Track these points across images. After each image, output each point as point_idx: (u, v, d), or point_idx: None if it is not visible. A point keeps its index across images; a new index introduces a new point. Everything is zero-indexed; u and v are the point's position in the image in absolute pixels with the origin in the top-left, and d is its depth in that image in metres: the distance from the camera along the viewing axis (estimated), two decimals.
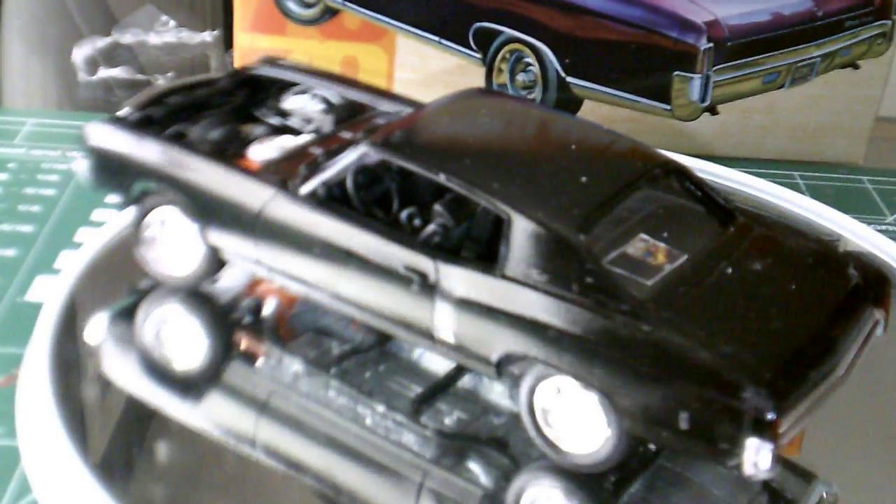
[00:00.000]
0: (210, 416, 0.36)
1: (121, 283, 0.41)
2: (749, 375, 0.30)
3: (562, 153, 0.36)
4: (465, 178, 0.33)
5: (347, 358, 0.37)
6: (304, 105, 0.41)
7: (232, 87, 0.43)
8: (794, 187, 0.55)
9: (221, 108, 0.42)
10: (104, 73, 0.62)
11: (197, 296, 0.39)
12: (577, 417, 0.32)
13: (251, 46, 0.54)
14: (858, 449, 0.37)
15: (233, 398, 0.36)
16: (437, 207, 0.35)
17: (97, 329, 0.38)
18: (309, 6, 0.53)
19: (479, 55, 0.54)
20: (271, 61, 0.44)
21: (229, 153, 0.39)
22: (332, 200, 0.35)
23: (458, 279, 0.33)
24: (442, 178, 0.34)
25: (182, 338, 0.38)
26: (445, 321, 0.33)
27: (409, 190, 0.36)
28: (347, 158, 0.35)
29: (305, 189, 0.36)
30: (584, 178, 0.34)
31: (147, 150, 0.38)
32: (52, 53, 0.68)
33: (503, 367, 0.33)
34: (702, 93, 0.55)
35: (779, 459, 0.30)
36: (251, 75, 0.43)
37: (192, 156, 0.38)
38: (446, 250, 0.34)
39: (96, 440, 0.34)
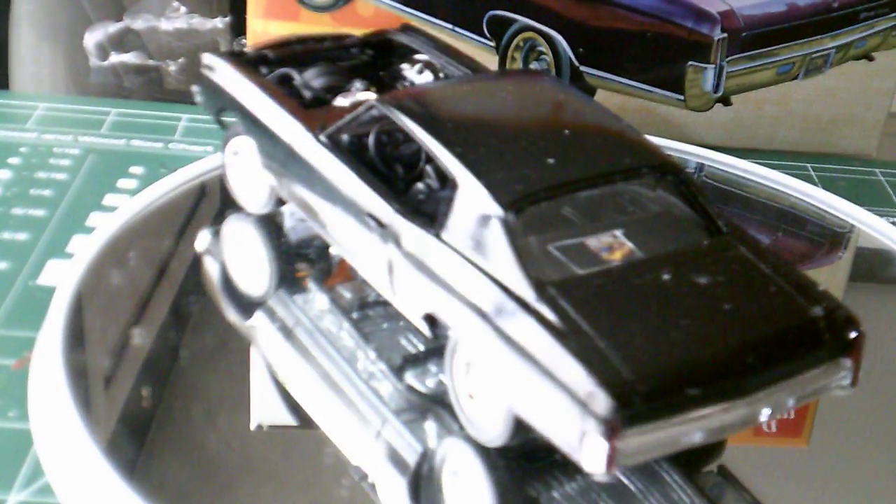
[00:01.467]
0: (251, 331, 0.39)
1: (133, 267, 0.42)
2: (607, 377, 0.29)
3: (549, 135, 0.36)
4: (436, 139, 0.34)
5: (372, 307, 0.39)
6: (413, 71, 0.43)
7: (361, 45, 0.45)
8: (807, 179, 0.55)
9: (341, 61, 0.44)
10: (115, 58, 0.62)
11: (270, 224, 0.43)
12: (479, 392, 0.32)
13: (264, 32, 0.54)
14: (866, 447, 0.37)
15: (270, 320, 0.39)
16: (428, 169, 0.36)
17: (203, 240, 0.43)
18: None
19: (492, 43, 0.54)
20: (407, 29, 0.46)
21: (313, 99, 0.41)
22: (344, 148, 0.38)
23: (407, 234, 0.34)
24: (417, 134, 0.35)
25: (250, 259, 0.42)
26: (393, 272, 0.35)
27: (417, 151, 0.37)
28: (360, 110, 0.37)
29: (325, 134, 0.38)
30: (550, 160, 0.34)
31: (232, 82, 0.42)
32: (61, 39, 0.68)
33: (435, 329, 0.34)
34: (715, 83, 0.55)
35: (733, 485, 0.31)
36: (384, 39, 0.46)
37: (258, 90, 0.41)
38: (415, 209, 0.35)
39: (108, 423, 0.34)
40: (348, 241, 0.37)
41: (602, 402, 0.28)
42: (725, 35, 0.53)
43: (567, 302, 0.30)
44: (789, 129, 0.57)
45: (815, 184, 0.54)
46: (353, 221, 0.36)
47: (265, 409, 0.37)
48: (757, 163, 0.52)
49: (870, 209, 0.49)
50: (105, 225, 0.42)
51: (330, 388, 0.36)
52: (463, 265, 0.32)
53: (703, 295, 0.31)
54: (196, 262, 0.44)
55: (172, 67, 0.63)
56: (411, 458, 0.33)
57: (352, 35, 0.46)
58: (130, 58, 0.62)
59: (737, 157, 0.52)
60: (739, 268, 0.33)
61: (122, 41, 0.64)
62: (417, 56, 0.44)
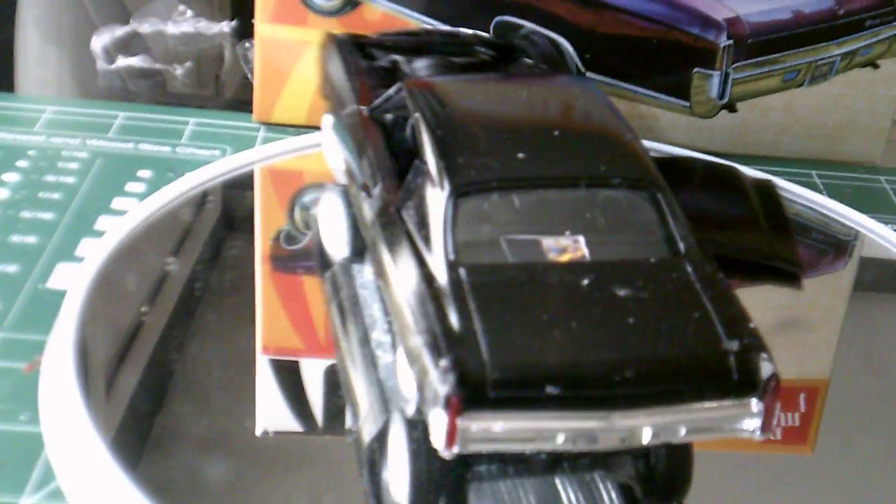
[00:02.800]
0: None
1: (143, 272, 0.42)
2: (464, 358, 0.29)
3: (536, 133, 0.36)
4: (425, 123, 0.36)
5: None
6: None
7: (484, 45, 0.47)
8: (812, 186, 0.55)
9: (457, 57, 0.45)
10: (122, 61, 0.63)
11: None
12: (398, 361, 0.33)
13: (272, 36, 0.54)
14: (871, 456, 0.37)
15: (330, 288, 0.41)
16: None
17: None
18: None
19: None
20: (529, 35, 0.49)
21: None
22: (380, 123, 0.40)
23: (380, 205, 0.36)
24: (413, 117, 0.37)
25: (334, 227, 0.43)
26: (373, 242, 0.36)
27: None
28: (391, 90, 0.40)
29: (367, 109, 0.40)
30: (521, 155, 0.34)
31: (331, 60, 0.46)
32: (67, 43, 0.68)
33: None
34: (721, 90, 0.55)
35: None
36: (509, 43, 0.47)
37: (343, 68, 0.44)
38: (396, 185, 0.36)
39: (120, 427, 0.34)
40: (363, 212, 0.38)
41: (450, 379, 0.28)
42: (731, 42, 0.53)
43: (469, 284, 0.31)
44: (794, 136, 0.58)
45: (819, 191, 0.54)
46: (359, 190, 0.38)
47: (270, 415, 0.37)
48: (762, 169, 0.52)
49: (875, 216, 0.50)
50: (115, 228, 0.42)
51: (346, 351, 0.37)
52: (405, 239, 0.33)
53: (611, 305, 0.31)
54: (202, 267, 0.44)
55: (179, 71, 0.63)
56: (377, 425, 0.33)
57: (479, 34, 0.48)
58: (137, 61, 0.63)
59: (742, 163, 0.52)
60: (672, 288, 0.32)
61: (128, 45, 0.64)
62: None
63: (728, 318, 0.31)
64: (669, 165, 0.47)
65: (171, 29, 0.66)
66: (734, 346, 0.30)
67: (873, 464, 0.37)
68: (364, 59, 0.45)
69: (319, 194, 0.46)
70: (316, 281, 0.44)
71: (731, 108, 0.56)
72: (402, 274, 0.32)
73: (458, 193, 0.33)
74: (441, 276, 0.31)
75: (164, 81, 0.63)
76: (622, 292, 0.31)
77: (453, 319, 0.30)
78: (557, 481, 0.32)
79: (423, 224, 0.33)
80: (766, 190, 0.46)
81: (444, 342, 0.29)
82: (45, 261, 0.42)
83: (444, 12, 0.53)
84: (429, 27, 0.48)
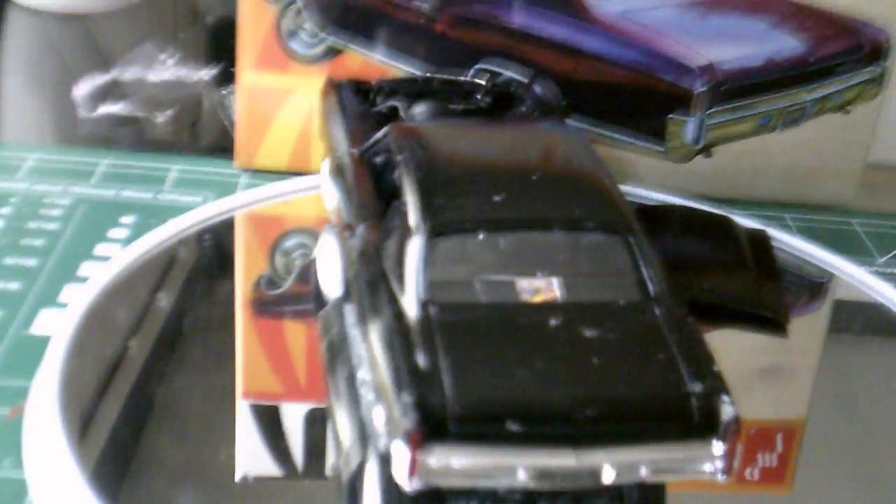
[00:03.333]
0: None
1: (126, 317, 0.42)
2: (426, 393, 0.29)
3: (516, 177, 0.37)
4: (406, 165, 0.37)
5: None
6: None
7: (484, 93, 0.48)
8: (786, 229, 0.55)
9: (457, 104, 0.46)
10: (104, 109, 0.63)
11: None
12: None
13: (254, 84, 0.54)
14: (848, 495, 0.38)
15: (322, 327, 0.40)
16: None
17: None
18: (313, 45, 0.54)
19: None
20: (534, 86, 0.50)
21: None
22: (368, 164, 0.41)
23: (357, 242, 0.37)
24: (396, 158, 0.38)
25: (328, 266, 0.42)
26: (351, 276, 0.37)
27: None
28: (380, 133, 0.41)
29: (358, 149, 0.41)
30: (497, 198, 0.35)
31: (329, 103, 0.47)
32: (47, 92, 0.68)
33: None
34: (696, 135, 0.56)
35: None
36: (507, 91, 0.48)
37: (339, 112, 0.45)
38: (377, 224, 0.37)
39: (107, 471, 0.34)
40: (347, 252, 0.39)
41: (412, 414, 0.29)
42: (706, 88, 0.54)
43: (438, 322, 0.32)
44: (768, 180, 0.58)
45: (793, 233, 0.55)
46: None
47: (250, 460, 0.37)
48: (737, 212, 0.53)
49: (848, 258, 0.50)
50: (99, 274, 0.42)
51: (329, 392, 0.37)
52: (381, 279, 0.34)
53: (577, 346, 0.31)
54: (185, 312, 0.44)
55: (160, 119, 0.63)
56: (356, 461, 0.33)
57: (477, 82, 0.49)
58: (119, 109, 0.63)
59: (718, 206, 0.53)
60: (639, 330, 0.32)
61: (109, 93, 0.65)
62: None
63: (693, 361, 0.31)
64: (663, 213, 0.49)
65: (153, 77, 0.66)
66: (697, 388, 0.30)
67: (850, 503, 0.37)
68: (364, 103, 0.47)
69: (306, 238, 0.47)
70: (297, 325, 0.45)
71: (706, 152, 0.57)
72: (376, 313, 0.33)
73: (433, 233, 0.34)
74: (411, 314, 0.32)
75: (149, 129, 0.63)
76: (589, 333, 0.32)
77: (419, 356, 0.30)
78: None
79: (399, 263, 0.34)
80: (760, 240, 0.47)
81: (409, 378, 0.30)
82: (28, 307, 0.43)
83: (423, 59, 0.54)
84: (429, 75, 0.49)
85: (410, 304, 0.32)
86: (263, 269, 0.49)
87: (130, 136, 0.63)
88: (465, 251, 0.34)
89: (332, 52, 0.54)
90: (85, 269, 0.45)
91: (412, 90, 0.47)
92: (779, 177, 0.58)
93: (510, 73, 0.54)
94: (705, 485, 0.37)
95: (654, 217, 0.49)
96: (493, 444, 0.29)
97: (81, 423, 0.36)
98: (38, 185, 0.52)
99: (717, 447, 0.30)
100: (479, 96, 0.48)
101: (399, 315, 0.32)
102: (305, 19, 0.54)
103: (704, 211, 0.50)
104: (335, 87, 0.48)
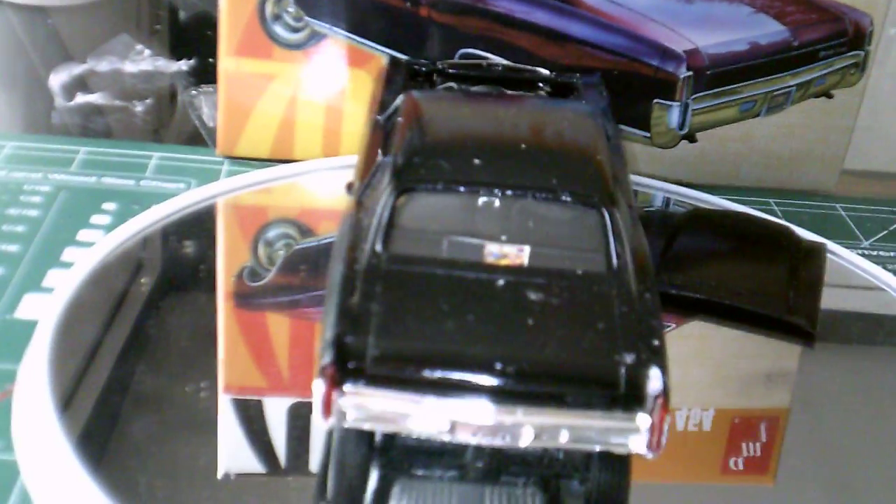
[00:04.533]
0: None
1: (113, 300, 0.41)
2: (349, 334, 0.29)
3: (506, 144, 0.37)
4: (404, 124, 0.38)
5: None
6: None
7: (545, 81, 0.47)
8: (771, 213, 0.56)
9: (514, 89, 0.46)
10: (81, 98, 0.62)
11: None
12: None
13: (236, 70, 0.54)
14: (832, 487, 0.38)
15: None
16: None
17: None
18: (296, 30, 0.54)
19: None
20: (596, 83, 0.48)
21: None
22: (384, 128, 0.41)
23: (350, 197, 0.37)
24: (396, 120, 0.39)
25: None
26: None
27: None
28: (398, 99, 0.41)
29: (381, 116, 0.42)
30: (477, 161, 0.35)
31: (381, 81, 0.47)
32: (19, 86, 0.67)
33: None
34: (681, 120, 0.56)
35: None
36: (569, 83, 0.48)
37: (386, 88, 0.45)
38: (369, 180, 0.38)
39: (98, 449, 0.34)
40: None
41: (331, 352, 0.29)
42: (690, 73, 0.54)
43: (385, 271, 0.32)
44: (752, 166, 0.59)
45: (779, 218, 0.55)
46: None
47: (233, 456, 0.36)
48: (724, 197, 0.53)
49: (835, 241, 0.51)
50: (85, 258, 0.41)
51: None
52: (351, 229, 0.34)
53: (517, 306, 0.31)
54: (172, 295, 0.44)
55: (139, 108, 0.63)
56: None
57: (540, 71, 0.48)
58: (97, 98, 0.62)
59: (703, 192, 0.53)
60: (586, 299, 0.32)
61: (86, 83, 0.64)
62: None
63: (633, 333, 0.31)
64: (722, 217, 0.50)
65: (129, 68, 0.66)
66: (627, 358, 0.30)
67: (835, 493, 0.37)
68: (423, 83, 0.47)
69: (289, 228, 0.46)
70: (280, 317, 0.44)
71: (691, 138, 0.57)
72: (338, 259, 0.33)
73: (401, 189, 0.34)
74: (363, 261, 0.32)
75: (128, 118, 0.63)
76: (534, 296, 0.31)
77: (355, 299, 0.30)
78: (486, 491, 0.32)
79: (370, 215, 0.34)
80: (815, 252, 0.48)
81: (336, 317, 0.30)
82: (12, 292, 0.42)
83: (407, 44, 0.54)
84: (495, 61, 0.49)
85: (366, 253, 0.32)
86: (246, 260, 0.48)
87: (109, 126, 0.62)
88: (438, 209, 0.34)
89: (316, 37, 0.54)
90: (69, 254, 0.45)
91: (473, 74, 0.47)
92: (762, 162, 0.59)
93: (495, 58, 0.54)
94: (688, 473, 0.38)
95: (710, 220, 0.51)
96: (409, 389, 0.29)
97: (70, 404, 0.35)
98: (16, 172, 0.51)
99: (641, 420, 0.29)
100: (539, 85, 0.47)
101: (352, 262, 0.32)
102: (288, 3, 0.53)
103: (764, 219, 0.51)
104: (390, 66, 0.48)
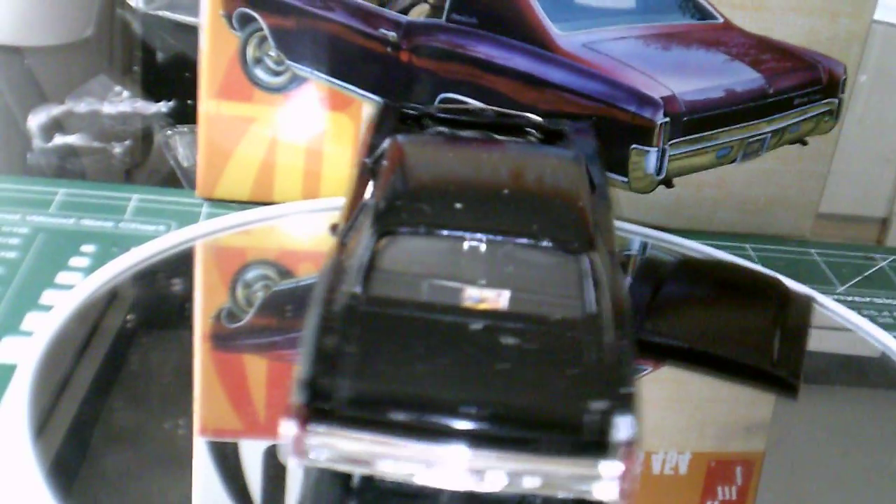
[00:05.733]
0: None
1: (91, 345, 0.41)
2: (322, 374, 0.30)
3: (488, 190, 0.38)
4: (384, 169, 0.38)
5: None
6: None
7: (534, 127, 0.47)
8: (747, 258, 0.56)
9: (502, 134, 0.46)
10: (60, 139, 0.62)
11: None
12: None
13: (217, 113, 0.54)
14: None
15: None
16: None
17: None
18: (276, 74, 0.54)
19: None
20: (580, 128, 0.48)
21: None
22: (370, 171, 0.41)
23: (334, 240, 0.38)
24: (381, 163, 0.39)
25: None
26: None
27: None
28: (386, 142, 0.41)
29: (369, 158, 0.42)
30: (458, 206, 0.36)
31: (371, 124, 0.47)
32: None
33: None
34: (658, 165, 0.56)
35: None
36: (559, 130, 0.48)
37: (374, 131, 0.46)
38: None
39: (78, 492, 0.34)
40: None
41: (303, 391, 0.29)
42: (667, 119, 0.55)
43: (362, 312, 0.32)
44: (728, 211, 0.59)
45: (755, 263, 0.56)
46: None
47: (207, 498, 0.36)
48: (702, 242, 0.54)
49: (810, 287, 0.51)
50: (64, 301, 0.41)
51: None
52: (332, 271, 0.34)
53: (490, 351, 0.31)
54: (150, 336, 0.44)
55: (118, 149, 0.63)
56: None
57: (532, 117, 0.48)
58: (75, 139, 0.62)
59: (679, 236, 0.54)
60: (561, 345, 0.32)
61: (63, 124, 0.64)
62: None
63: (604, 381, 0.31)
64: (710, 266, 0.51)
65: (108, 109, 0.66)
66: (597, 405, 0.30)
67: None
68: (411, 127, 0.47)
69: (268, 270, 0.46)
70: (257, 359, 0.44)
71: (667, 183, 0.57)
72: (315, 301, 0.33)
73: (382, 232, 0.35)
74: (341, 302, 0.32)
75: (106, 160, 0.63)
76: (507, 341, 0.32)
77: (329, 340, 0.31)
78: None
79: (351, 257, 0.34)
80: (803, 304, 0.49)
81: (309, 358, 0.30)
82: None
83: (387, 89, 0.54)
84: (486, 107, 0.50)
85: (344, 295, 0.33)
86: (224, 302, 0.48)
87: (87, 167, 0.62)
88: (419, 253, 0.35)
89: (297, 81, 0.54)
90: (48, 297, 0.44)
91: (463, 119, 0.47)
92: (738, 208, 0.59)
93: (474, 103, 0.54)
94: None
95: (699, 269, 0.52)
96: (380, 431, 0.29)
97: (49, 447, 0.35)
98: None
99: (608, 467, 0.29)
100: (530, 131, 0.47)
101: (330, 303, 0.32)
102: (270, 47, 0.53)
103: (754, 270, 0.51)
104: (381, 109, 0.49)
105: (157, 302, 0.47)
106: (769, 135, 0.58)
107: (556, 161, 0.41)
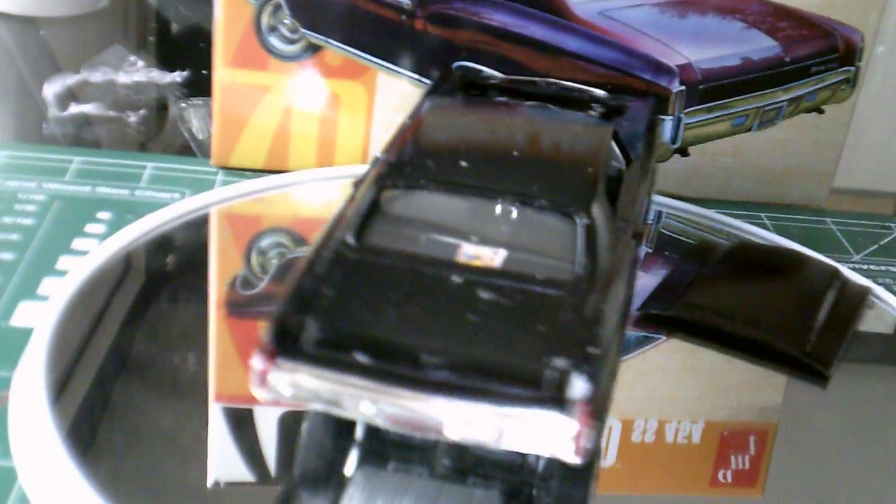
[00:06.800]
0: None
1: (107, 310, 0.41)
2: (291, 312, 0.30)
3: (499, 150, 0.38)
4: (405, 127, 0.39)
5: None
6: None
7: (598, 102, 0.48)
8: (762, 227, 0.56)
9: (566, 107, 0.46)
10: (75, 108, 0.62)
11: None
12: None
13: (231, 81, 0.54)
14: (822, 497, 0.38)
15: None
16: None
17: None
18: (291, 42, 0.54)
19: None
20: (640, 105, 0.48)
21: None
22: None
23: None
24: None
25: None
26: None
27: None
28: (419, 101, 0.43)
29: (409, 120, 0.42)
30: (464, 164, 0.36)
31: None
32: (10, 99, 0.67)
33: None
34: (673, 134, 0.56)
35: None
36: (622, 104, 0.48)
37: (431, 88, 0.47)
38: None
39: (95, 453, 0.34)
40: None
41: (272, 328, 0.30)
42: (683, 88, 0.55)
43: (347, 259, 0.33)
44: (743, 180, 0.59)
45: (769, 231, 0.56)
46: None
47: (223, 465, 0.36)
48: (717, 211, 0.53)
49: (826, 255, 0.51)
50: (80, 266, 0.41)
51: None
52: (336, 220, 0.35)
53: (463, 303, 0.32)
54: (165, 303, 0.44)
55: (133, 118, 0.63)
56: None
57: (596, 92, 0.48)
58: (91, 108, 0.62)
59: (694, 205, 0.53)
60: (537, 304, 0.32)
61: (79, 93, 0.64)
62: None
63: (574, 340, 0.31)
64: (770, 253, 0.50)
65: (123, 78, 0.66)
66: (561, 363, 0.30)
67: None
68: (472, 94, 0.48)
69: (282, 237, 0.46)
70: None
71: (683, 152, 0.57)
72: (312, 247, 0.34)
73: (383, 184, 0.35)
74: (332, 248, 0.33)
75: (121, 129, 0.63)
76: (485, 295, 0.32)
77: (309, 281, 0.32)
78: (445, 489, 0.33)
79: (353, 208, 0.35)
80: (857, 295, 0.48)
81: (286, 296, 0.31)
82: (6, 299, 0.42)
83: (403, 58, 0.54)
84: (551, 80, 0.49)
85: (336, 241, 0.33)
86: (239, 269, 0.48)
87: (102, 136, 0.62)
88: (421, 207, 0.35)
89: (312, 49, 0.54)
90: (64, 262, 0.45)
91: (526, 90, 0.48)
92: (754, 177, 0.59)
93: (489, 71, 0.54)
94: (676, 485, 0.38)
95: (755, 253, 0.51)
96: (340, 370, 0.30)
97: (65, 410, 0.35)
98: (10, 181, 0.51)
99: (564, 423, 0.29)
100: (593, 105, 0.48)
101: (323, 248, 0.33)
102: (284, 15, 0.53)
103: (813, 258, 0.50)
104: (442, 76, 0.49)
105: (170, 270, 0.47)
106: (785, 103, 0.57)
107: (579, 129, 0.41)
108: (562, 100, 0.47)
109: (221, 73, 0.54)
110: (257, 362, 0.30)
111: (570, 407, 0.29)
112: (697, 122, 0.56)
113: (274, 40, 0.54)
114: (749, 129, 0.58)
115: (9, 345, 0.39)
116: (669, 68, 0.54)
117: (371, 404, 0.30)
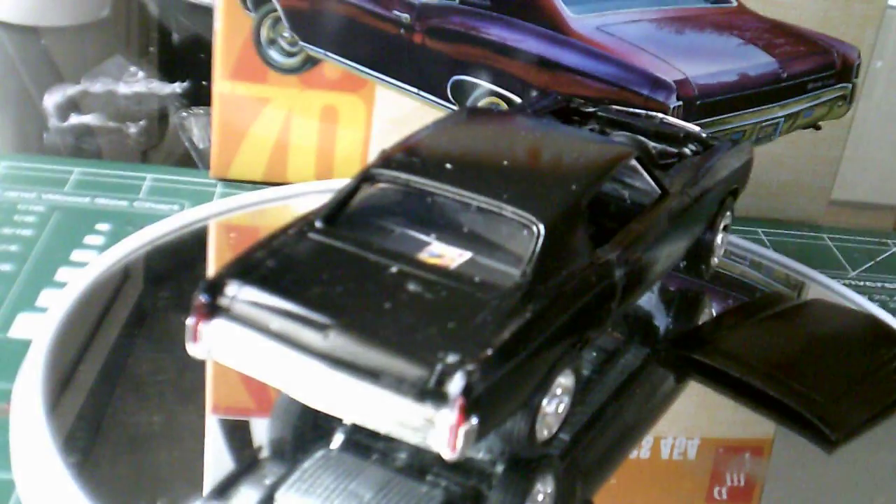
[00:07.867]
0: None
1: (108, 319, 0.41)
2: (226, 275, 0.33)
3: (488, 155, 0.39)
4: (417, 131, 0.40)
5: None
6: None
7: (693, 141, 0.48)
8: (759, 243, 0.56)
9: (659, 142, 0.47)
10: (75, 119, 0.62)
11: None
12: None
13: (231, 93, 0.54)
14: None
15: None
16: None
17: None
18: (290, 55, 0.54)
19: (456, 107, 0.55)
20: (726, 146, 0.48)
21: None
22: None
23: None
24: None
25: None
26: None
27: None
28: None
29: None
30: (449, 166, 0.37)
31: None
32: (11, 109, 0.68)
33: None
34: None
35: None
36: (702, 138, 0.48)
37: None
38: None
39: (92, 464, 0.34)
40: None
41: (203, 287, 0.33)
42: (680, 103, 0.55)
43: (309, 240, 0.35)
44: (741, 196, 0.59)
45: (767, 247, 0.56)
46: None
47: (219, 476, 0.36)
48: None
49: (822, 272, 0.51)
50: (79, 278, 0.42)
51: None
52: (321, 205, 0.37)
53: (387, 291, 0.33)
54: (163, 315, 0.44)
55: (133, 129, 0.63)
56: None
57: (694, 131, 0.48)
58: (91, 119, 0.63)
59: None
60: (461, 303, 0.33)
61: (79, 104, 0.64)
62: None
63: (475, 341, 0.31)
64: (837, 312, 0.48)
65: (123, 89, 0.66)
66: (451, 358, 0.31)
67: None
68: (565, 119, 0.49)
69: None
70: None
71: None
72: (283, 225, 0.36)
73: (364, 175, 0.37)
74: (296, 227, 0.36)
75: (116, 140, 0.63)
76: (411, 287, 0.33)
77: (259, 252, 0.34)
78: (392, 479, 0.34)
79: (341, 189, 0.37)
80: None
81: (230, 262, 0.34)
82: (5, 311, 0.42)
83: (402, 71, 0.54)
84: (656, 116, 0.49)
85: (303, 221, 0.36)
86: None
87: (102, 147, 0.62)
88: (393, 199, 0.38)
89: (311, 62, 0.54)
90: (63, 274, 0.45)
91: (628, 124, 0.48)
92: (750, 192, 0.59)
93: (488, 85, 0.54)
94: (675, 503, 0.38)
95: (823, 311, 0.49)
96: (258, 332, 0.32)
97: (64, 421, 0.35)
98: (10, 192, 0.52)
99: (440, 416, 0.30)
100: (688, 144, 0.48)
101: (290, 227, 0.36)
102: (283, 28, 0.54)
103: (881, 323, 0.48)
104: (538, 95, 0.51)
105: (168, 282, 0.47)
106: (782, 119, 0.58)
107: (593, 150, 0.41)
108: (657, 134, 0.47)
109: (221, 86, 0.54)
110: (191, 320, 0.33)
111: (447, 401, 0.30)
112: None
113: (273, 53, 0.54)
114: None
115: (8, 356, 0.39)
116: (667, 84, 0.55)
117: (277, 369, 0.32)
